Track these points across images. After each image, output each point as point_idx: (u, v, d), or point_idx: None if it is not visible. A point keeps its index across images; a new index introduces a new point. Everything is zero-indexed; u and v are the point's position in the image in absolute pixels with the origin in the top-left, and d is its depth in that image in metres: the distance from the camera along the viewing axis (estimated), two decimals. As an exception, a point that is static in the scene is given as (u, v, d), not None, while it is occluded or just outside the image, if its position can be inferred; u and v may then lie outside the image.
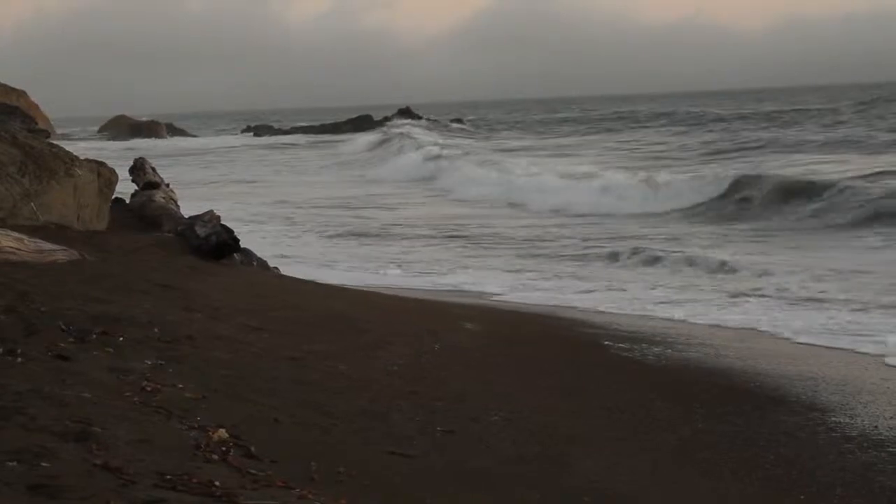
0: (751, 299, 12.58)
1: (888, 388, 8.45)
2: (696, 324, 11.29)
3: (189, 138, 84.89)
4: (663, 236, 19.69)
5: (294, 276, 12.59)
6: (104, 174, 11.94)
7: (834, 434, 7.12)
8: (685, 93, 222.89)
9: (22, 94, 63.80)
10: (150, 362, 6.01)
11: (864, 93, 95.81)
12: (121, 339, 6.40)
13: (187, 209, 13.59)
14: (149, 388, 5.36)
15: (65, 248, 9.50)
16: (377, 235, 21.04)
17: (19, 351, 5.60)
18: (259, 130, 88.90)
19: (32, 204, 10.91)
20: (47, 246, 9.27)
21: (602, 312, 12.00)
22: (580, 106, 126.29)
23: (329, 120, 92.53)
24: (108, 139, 76.93)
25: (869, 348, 9.91)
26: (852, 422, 7.40)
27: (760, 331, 10.90)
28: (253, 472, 4.39)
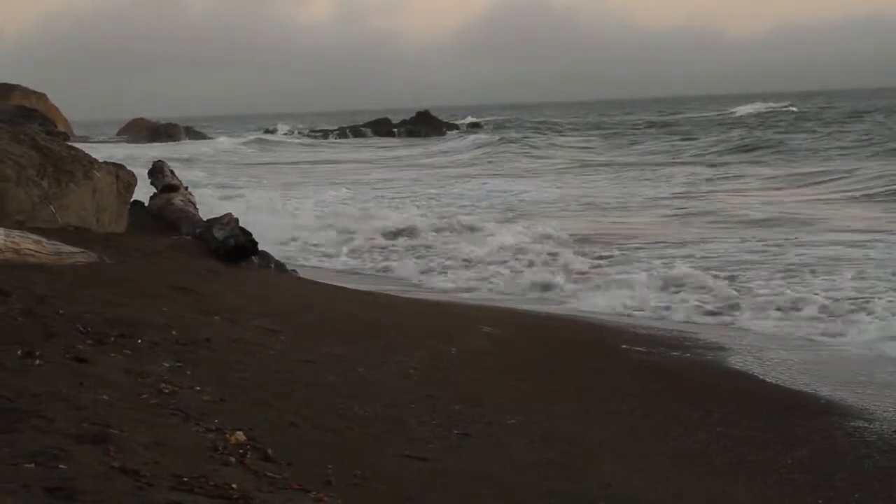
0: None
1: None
2: (710, 325, 11.27)
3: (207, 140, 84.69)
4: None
5: (312, 279, 12.61)
6: (123, 177, 11.99)
7: (852, 438, 7.08)
8: (684, 97, 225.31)
9: (42, 96, 64.13)
10: (167, 365, 6.02)
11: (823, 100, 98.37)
12: (139, 341, 6.42)
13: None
14: (166, 391, 5.38)
15: (83, 250, 9.53)
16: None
17: (37, 353, 5.63)
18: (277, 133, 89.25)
19: (51, 206, 10.96)
20: (66, 248, 9.30)
21: (620, 316, 11.98)
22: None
23: (345, 123, 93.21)
24: (128, 142, 76.88)
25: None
26: (870, 426, 7.36)
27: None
28: (269, 474, 4.40)
